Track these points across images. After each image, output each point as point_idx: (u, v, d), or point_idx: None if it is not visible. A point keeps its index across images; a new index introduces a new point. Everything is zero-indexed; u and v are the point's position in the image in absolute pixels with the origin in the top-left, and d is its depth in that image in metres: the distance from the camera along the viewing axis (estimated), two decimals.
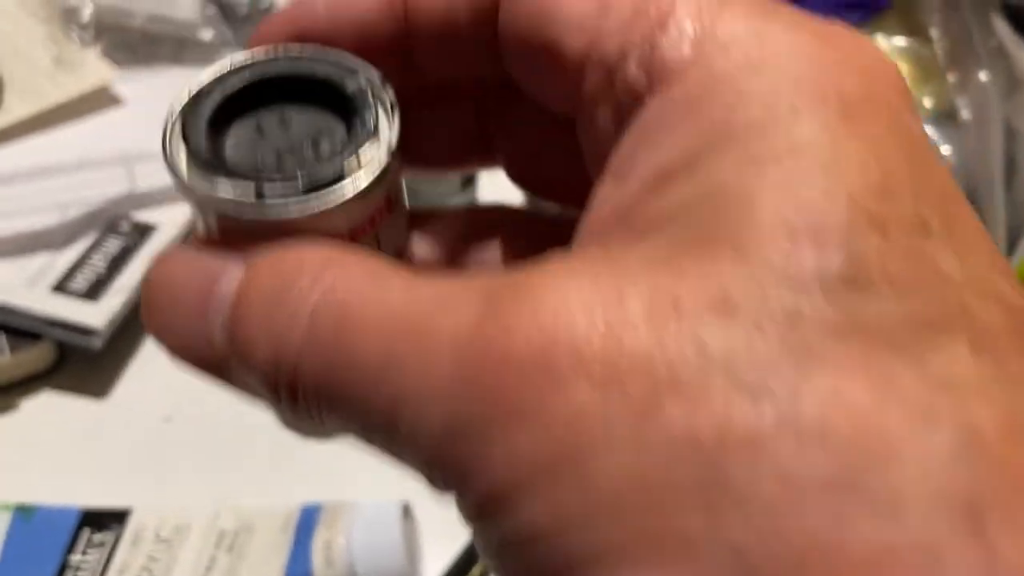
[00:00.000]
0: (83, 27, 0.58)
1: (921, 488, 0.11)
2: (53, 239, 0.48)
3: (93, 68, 0.56)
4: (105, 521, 0.40)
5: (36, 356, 0.46)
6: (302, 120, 0.18)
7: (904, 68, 0.47)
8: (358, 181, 0.17)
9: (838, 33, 0.15)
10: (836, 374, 0.12)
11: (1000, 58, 0.42)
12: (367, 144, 0.17)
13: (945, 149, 0.45)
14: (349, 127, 0.18)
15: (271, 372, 0.15)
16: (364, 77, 0.18)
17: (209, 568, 0.39)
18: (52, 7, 0.58)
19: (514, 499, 0.13)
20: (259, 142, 0.18)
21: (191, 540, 0.39)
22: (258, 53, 0.19)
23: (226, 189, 0.17)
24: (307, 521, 0.40)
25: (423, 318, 0.14)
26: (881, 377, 0.12)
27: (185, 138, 0.18)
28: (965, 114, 0.44)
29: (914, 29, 0.46)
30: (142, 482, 0.43)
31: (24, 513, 0.40)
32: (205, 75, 0.18)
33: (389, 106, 0.18)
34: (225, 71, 0.18)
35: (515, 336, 0.13)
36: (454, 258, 0.22)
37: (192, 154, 0.17)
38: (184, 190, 0.17)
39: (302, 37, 0.19)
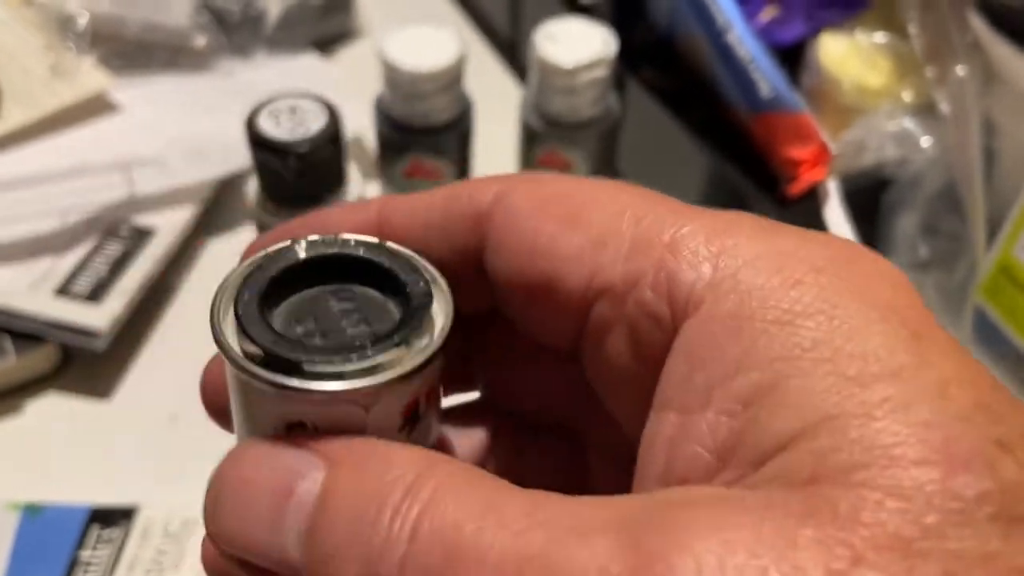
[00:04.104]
0: (79, 36, 0.59)
1: None
2: (55, 244, 0.49)
3: (89, 76, 0.57)
4: (114, 518, 0.41)
5: (41, 358, 0.46)
6: (359, 300, 0.18)
7: (884, 64, 0.48)
8: (414, 359, 0.17)
9: (843, 244, 0.15)
10: None
11: (976, 52, 0.43)
12: (423, 326, 0.17)
13: (925, 141, 0.46)
14: (406, 312, 0.18)
15: None
16: (418, 266, 0.18)
17: None
18: (48, 17, 0.59)
19: None
20: (314, 317, 0.18)
21: (199, 534, 0.40)
22: (288, 243, 0.19)
23: (282, 359, 0.16)
24: None
25: (553, 548, 0.13)
26: None
27: (236, 313, 0.17)
28: (944, 107, 0.45)
29: (893, 25, 0.47)
30: (149, 480, 0.44)
31: (32, 511, 0.41)
32: (261, 254, 0.18)
33: (444, 292, 0.18)
34: (274, 251, 0.18)
35: None
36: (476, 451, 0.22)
37: (243, 326, 0.17)
38: (236, 367, 0.17)
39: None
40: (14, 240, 0.48)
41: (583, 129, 0.48)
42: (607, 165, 0.50)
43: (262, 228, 0.42)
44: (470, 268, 0.19)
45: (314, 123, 0.40)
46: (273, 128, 0.40)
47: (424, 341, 0.17)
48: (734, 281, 0.15)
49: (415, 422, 0.18)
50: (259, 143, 0.39)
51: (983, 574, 0.12)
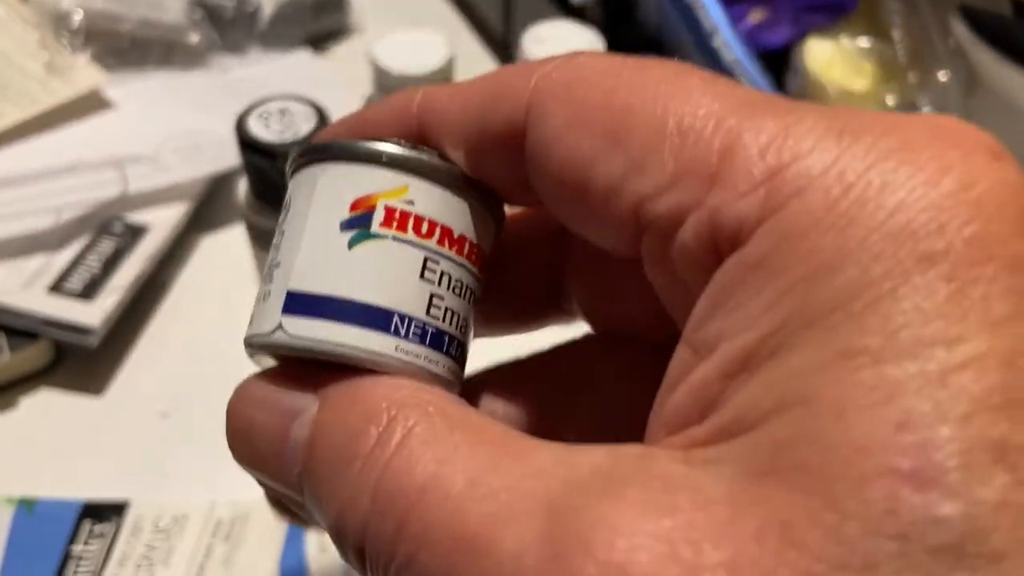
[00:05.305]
0: (73, 33, 0.59)
1: None
2: (48, 241, 0.50)
3: (84, 73, 0.58)
4: (105, 513, 0.41)
5: (34, 355, 0.47)
6: None
7: (868, 68, 0.48)
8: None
9: (933, 138, 0.13)
10: None
11: (959, 57, 0.44)
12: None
13: None
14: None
15: (338, 535, 0.15)
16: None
17: (207, 556, 0.40)
18: (42, 14, 0.59)
19: None
20: None
21: (188, 530, 0.41)
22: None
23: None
24: None
25: (484, 530, 0.13)
26: None
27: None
28: (927, 111, 0.45)
29: (877, 30, 0.48)
30: (140, 476, 0.45)
31: (27, 506, 0.42)
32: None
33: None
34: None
35: None
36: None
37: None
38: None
39: None
40: (8, 237, 0.49)
41: None
42: None
43: (251, 228, 0.43)
44: (521, 185, 0.17)
45: (304, 125, 0.41)
46: (263, 130, 0.40)
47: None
48: (778, 219, 0.13)
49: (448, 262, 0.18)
50: (248, 145, 0.40)
51: None
